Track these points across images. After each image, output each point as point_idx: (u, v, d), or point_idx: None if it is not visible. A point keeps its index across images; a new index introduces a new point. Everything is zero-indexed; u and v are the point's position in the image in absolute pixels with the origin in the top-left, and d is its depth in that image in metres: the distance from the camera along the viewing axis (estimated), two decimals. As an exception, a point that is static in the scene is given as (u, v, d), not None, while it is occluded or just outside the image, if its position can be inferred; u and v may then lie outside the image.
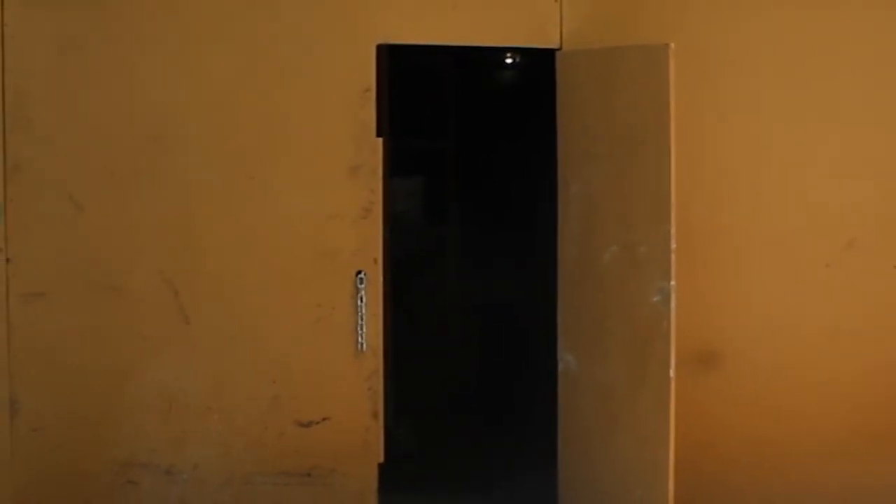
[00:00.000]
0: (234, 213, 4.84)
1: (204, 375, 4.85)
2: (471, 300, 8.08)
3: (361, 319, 4.87)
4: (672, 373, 4.64)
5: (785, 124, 5.18)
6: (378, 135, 4.89)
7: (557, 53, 5.02)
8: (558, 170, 5.06)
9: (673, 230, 4.65)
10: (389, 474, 5.03)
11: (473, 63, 8.02)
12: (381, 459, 4.94)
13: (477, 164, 8.23)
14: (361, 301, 4.87)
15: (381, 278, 4.91)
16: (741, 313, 5.19)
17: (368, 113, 4.87)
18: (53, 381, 4.77)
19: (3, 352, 4.72)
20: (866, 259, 5.22)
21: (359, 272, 4.86)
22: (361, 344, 4.88)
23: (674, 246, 4.65)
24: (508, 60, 8.26)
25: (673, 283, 4.65)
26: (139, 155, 4.78)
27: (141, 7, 4.78)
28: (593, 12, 5.05)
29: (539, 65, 5.39)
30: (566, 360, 5.05)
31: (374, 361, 4.91)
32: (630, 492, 4.77)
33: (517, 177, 7.88)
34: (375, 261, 4.89)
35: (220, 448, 4.85)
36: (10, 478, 4.75)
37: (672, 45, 4.69)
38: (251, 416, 4.87)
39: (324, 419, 4.89)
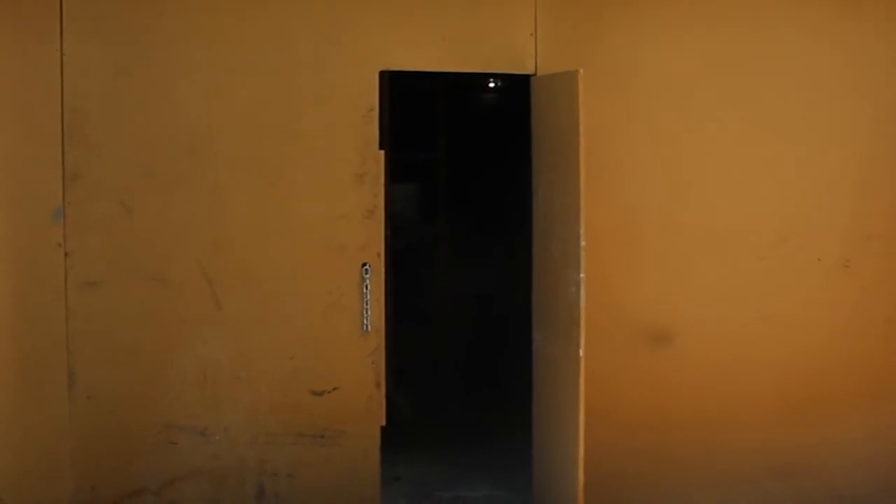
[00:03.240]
0: (259, 215, 5.05)
1: (233, 351, 5.05)
2: (458, 288, 8.26)
3: (366, 304, 5.09)
4: (582, 352, 4.81)
5: (726, 136, 5.44)
6: (380, 147, 5.11)
7: (532, 78, 5.27)
8: (532, 177, 5.31)
9: (582, 231, 4.82)
10: (390, 435, 5.25)
11: (461, 86, 8.31)
12: (383, 423, 5.16)
13: (464, 172, 8.45)
14: (366, 289, 5.08)
15: (382, 269, 5.11)
16: (689, 299, 5.46)
17: (372, 129, 5.09)
18: (106, 356, 4.98)
19: (62, 332, 4.92)
20: (795, 253, 5.52)
21: (364, 264, 5.10)
22: (366, 325, 5.09)
23: (583, 244, 4.82)
24: (491, 84, 8.53)
25: (583, 275, 4.82)
26: (179, 165, 4.99)
27: (180, 40, 4.98)
28: (563, 44, 5.28)
29: (517, 88, 5.60)
30: (537, 338, 5.32)
31: (377, 339, 5.13)
32: (566, 448, 5.00)
33: (498, 183, 8.09)
34: (378, 254, 5.11)
35: (247, 413, 5.07)
36: (68, 437, 4.95)
37: (581, 70, 4.82)
38: (273, 386, 5.07)
39: (334, 388, 5.12)
